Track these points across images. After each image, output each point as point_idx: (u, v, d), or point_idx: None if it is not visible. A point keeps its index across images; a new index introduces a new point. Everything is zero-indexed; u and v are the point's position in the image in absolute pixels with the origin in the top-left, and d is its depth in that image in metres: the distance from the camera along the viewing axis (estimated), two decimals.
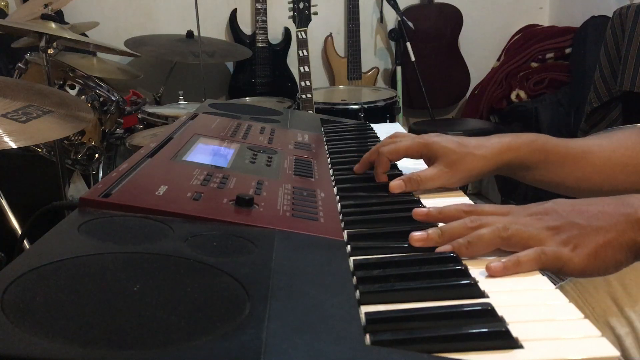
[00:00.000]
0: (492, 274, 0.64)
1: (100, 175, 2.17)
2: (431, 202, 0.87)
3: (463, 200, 0.89)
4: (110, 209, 0.72)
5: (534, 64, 3.24)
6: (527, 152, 0.90)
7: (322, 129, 1.41)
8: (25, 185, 2.03)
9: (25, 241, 1.17)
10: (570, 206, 0.69)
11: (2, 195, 1.64)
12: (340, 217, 0.81)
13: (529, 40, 3.32)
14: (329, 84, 3.38)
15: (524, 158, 0.90)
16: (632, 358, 0.82)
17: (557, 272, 0.67)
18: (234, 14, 3.18)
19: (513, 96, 3.22)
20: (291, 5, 2.48)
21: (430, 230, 0.71)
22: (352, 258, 0.68)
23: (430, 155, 0.93)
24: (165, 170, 0.88)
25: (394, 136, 1.01)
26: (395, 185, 0.90)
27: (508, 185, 3.01)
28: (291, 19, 2.49)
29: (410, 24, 3.11)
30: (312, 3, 2.49)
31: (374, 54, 3.46)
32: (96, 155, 2.04)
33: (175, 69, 2.97)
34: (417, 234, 0.71)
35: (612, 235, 0.65)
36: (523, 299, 0.60)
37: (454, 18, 3.36)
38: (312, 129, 1.36)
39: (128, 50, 2.39)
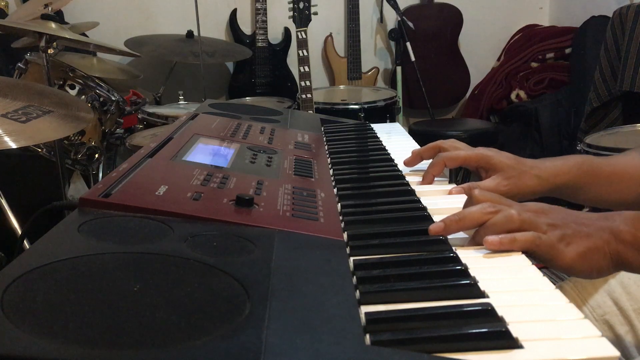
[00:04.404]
0: (487, 246, 0.69)
1: (100, 175, 2.16)
2: (431, 202, 0.87)
3: (462, 198, 0.89)
4: (110, 209, 0.72)
5: (534, 64, 3.24)
6: (577, 174, 0.94)
7: (322, 129, 1.41)
8: (25, 185, 2.03)
9: (25, 241, 1.17)
10: (565, 213, 0.74)
11: (2, 195, 1.64)
12: (340, 217, 0.81)
13: (529, 40, 3.32)
14: (329, 84, 3.38)
15: (575, 180, 0.94)
16: (632, 357, 0.82)
17: (546, 262, 0.70)
18: (234, 14, 3.18)
19: (513, 96, 3.22)
20: (291, 5, 2.48)
21: (447, 220, 0.73)
22: (352, 258, 0.68)
23: (488, 167, 0.95)
24: (165, 170, 0.88)
25: (450, 144, 1.03)
26: (457, 191, 0.93)
27: None
28: (291, 19, 2.49)
29: (410, 24, 3.11)
30: (312, 3, 2.48)
31: (374, 54, 3.46)
32: (96, 155, 2.03)
33: (175, 69, 2.97)
34: (434, 227, 0.73)
35: (599, 242, 0.69)
36: (523, 299, 0.60)
37: (454, 18, 3.36)
38: (312, 129, 1.36)
39: (128, 50, 2.38)
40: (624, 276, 0.88)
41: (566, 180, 0.94)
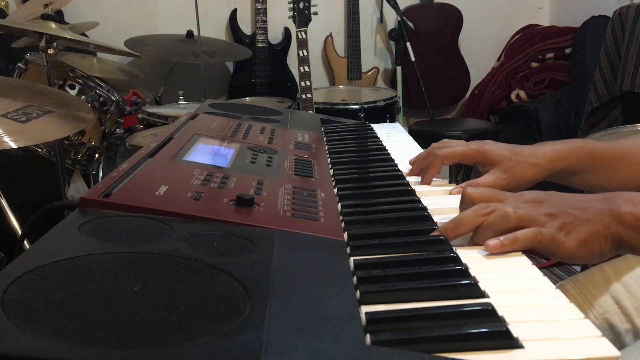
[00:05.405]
0: (490, 250, 0.69)
1: (100, 175, 2.16)
2: (432, 202, 0.87)
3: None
4: (111, 209, 0.72)
5: (534, 64, 3.24)
6: (577, 159, 0.93)
7: (322, 129, 1.41)
8: (25, 185, 2.03)
9: (25, 241, 1.17)
10: (562, 199, 0.73)
11: (2, 195, 1.64)
12: (341, 217, 0.81)
13: (529, 40, 3.32)
14: (329, 84, 3.38)
15: (574, 165, 0.93)
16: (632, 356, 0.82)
17: (548, 254, 0.69)
18: (234, 14, 3.18)
19: (513, 96, 3.22)
20: (291, 5, 2.47)
21: (443, 229, 0.73)
22: (352, 258, 0.68)
23: (485, 162, 0.95)
24: (165, 170, 0.88)
25: (444, 143, 1.03)
26: (457, 191, 0.93)
27: None
28: (291, 19, 2.48)
29: (410, 24, 3.11)
30: (312, 3, 2.48)
31: (374, 54, 3.46)
32: (96, 155, 2.03)
33: (175, 69, 2.97)
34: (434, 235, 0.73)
35: (599, 227, 0.68)
36: (523, 299, 0.60)
37: (454, 18, 3.36)
38: (312, 129, 1.36)
39: (128, 50, 2.38)
40: (625, 275, 0.88)
41: (565, 165, 0.93)
